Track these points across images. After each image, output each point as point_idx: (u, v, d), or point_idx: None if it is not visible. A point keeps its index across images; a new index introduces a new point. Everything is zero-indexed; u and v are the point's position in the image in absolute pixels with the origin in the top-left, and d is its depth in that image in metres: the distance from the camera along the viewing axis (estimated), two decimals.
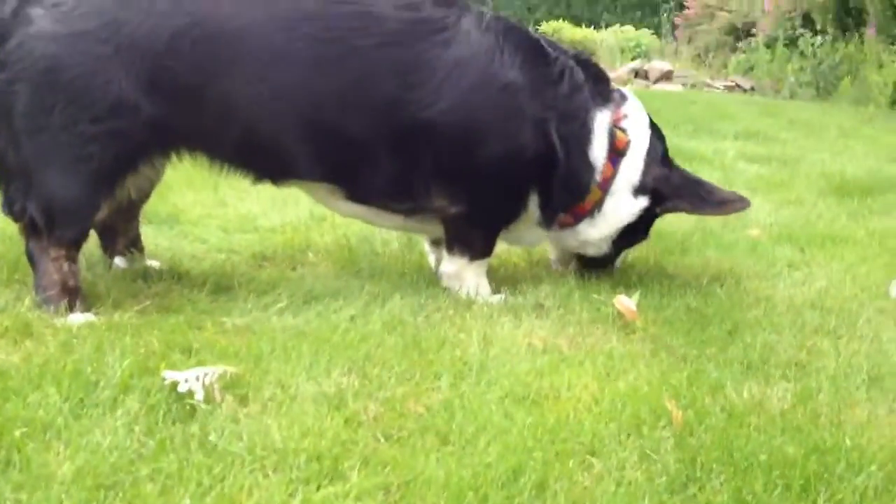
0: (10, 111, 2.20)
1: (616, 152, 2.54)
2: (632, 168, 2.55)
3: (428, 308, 2.35)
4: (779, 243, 3.22)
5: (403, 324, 2.21)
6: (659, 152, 2.62)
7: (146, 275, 2.56)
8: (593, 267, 2.73)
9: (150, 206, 3.29)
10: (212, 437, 1.57)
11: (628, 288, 2.54)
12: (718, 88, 11.53)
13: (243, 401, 1.75)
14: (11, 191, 2.29)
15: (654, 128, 2.64)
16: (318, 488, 1.43)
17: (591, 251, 2.67)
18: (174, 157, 2.41)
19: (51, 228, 2.24)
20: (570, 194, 2.54)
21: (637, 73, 12.12)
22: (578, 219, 2.58)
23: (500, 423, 1.66)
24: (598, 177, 2.53)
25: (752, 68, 12.57)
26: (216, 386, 1.77)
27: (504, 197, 2.54)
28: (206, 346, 1.99)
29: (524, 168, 2.49)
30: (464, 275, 2.56)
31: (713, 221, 3.46)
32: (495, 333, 2.16)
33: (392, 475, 1.48)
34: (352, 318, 2.26)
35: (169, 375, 1.76)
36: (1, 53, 2.18)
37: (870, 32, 11.04)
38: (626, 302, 2.34)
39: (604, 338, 2.19)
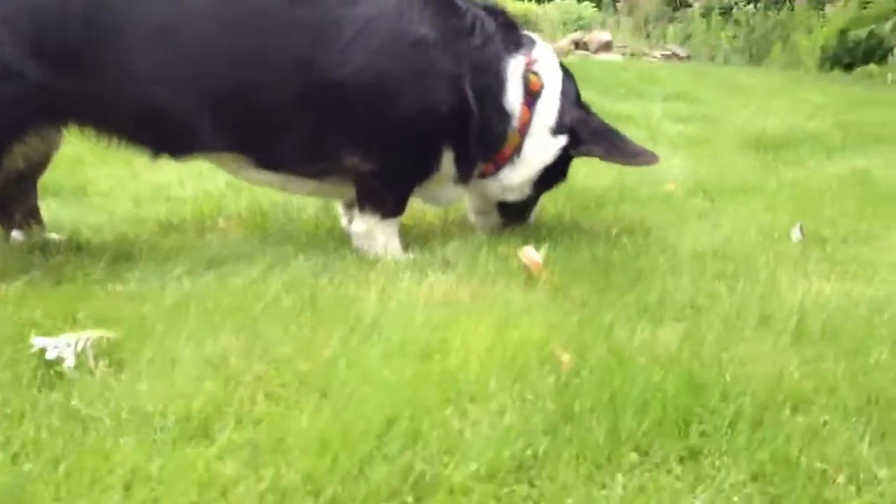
0: None
1: (531, 95, 2.53)
2: (548, 109, 2.55)
3: (331, 268, 2.30)
4: (692, 196, 3.23)
5: (302, 284, 2.16)
6: (573, 95, 2.62)
7: (44, 247, 2.48)
8: (513, 216, 2.73)
9: (56, 179, 3.21)
10: (74, 403, 1.51)
11: (538, 242, 2.51)
12: (656, 57, 11.60)
13: (119, 366, 1.69)
14: None
15: (566, 72, 2.64)
16: (181, 448, 1.38)
17: (513, 196, 2.66)
18: (63, 130, 2.33)
19: None
20: (488, 146, 2.53)
21: (577, 45, 12.13)
22: (499, 166, 2.57)
23: (383, 376, 1.63)
24: (515, 123, 2.52)
25: (688, 37, 12.70)
26: (90, 353, 1.71)
27: (417, 154, 2.50)
28: (92, 315, 1.92)
29: (438, 124, 2.45)
30: (374, 233, 2.52)
31: (631, 177, 3.47)
32: (395, 289, 2.13)
33: (263, 432, 1.44)
34: (251, 281, 2.21)
35: (38, 342, 1.70)
36: None
37: (799, 0, 11.20)
38: (531, 254, 2.32)
39: (506, 289, 2.17)
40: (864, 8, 9.09)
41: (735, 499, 1.30)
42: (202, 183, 3.36)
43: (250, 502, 1.26)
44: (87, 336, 1.75)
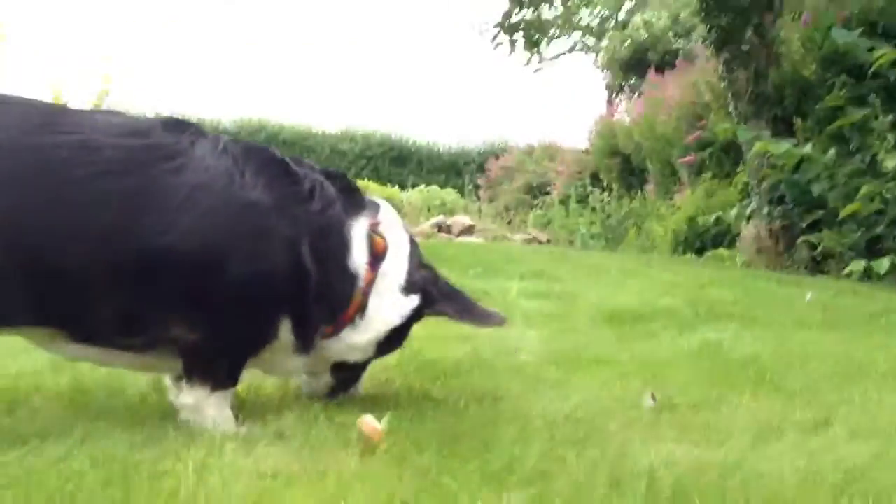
0: None
1: (375, 256, 2.46)
2: (395, 269, 2.49)
3: (150, 443, 2.09)
4: (545, 367, 3.18)
5: (113, 459, 1.94)
6: (418, 257, 2.58)
7: None
8: (346, 380, 2.62)
9: None
10: None
11: (381, 412, 2.38)
12: (517, 241, 11.98)
13: None
14: None
15: (410, 236, 2.61)
16: None
17: (356, 356, 2.54)
18: None
19: None
20: (331, 309, 2.42)
21: (441, 228, 12.46)
22: (340, 327, 2.45)
23: None
24: (360, 283, 2.44)
25: (549, 223, 13.27)
26: None
27: (249, 321, 2.35)
28: None
29: (271, 290, 2.32)
30: (203, 407, 2.32)
31: (486, 350, 3.42)
32: (218, 462, 1.94)
33: None
34: (58, 458, 1.97)
35: None
36: None
37: (649, 189, 11.98)
38: (370, 422, 2.18)
39: (343, 460, 2.01)
40: (710, 196, 9.73)
41: None
42: (19, 362, 3.10)
43: None
44: None
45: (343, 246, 2.43)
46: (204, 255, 2.23)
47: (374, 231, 2.49)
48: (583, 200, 12.90)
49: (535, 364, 3.25)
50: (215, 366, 2.35)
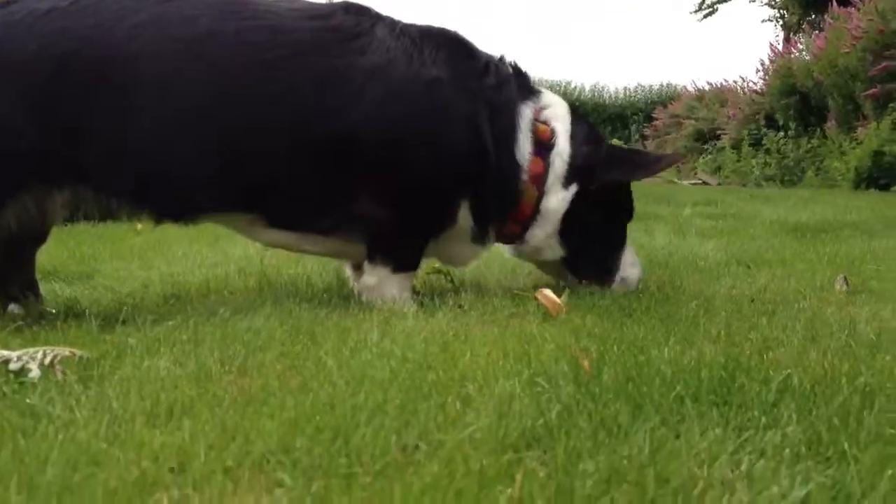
0: None
1: (541, 146, 2.39)
2: (561, 157, 2.40)
3: (333, 314, 2.15)
4: (725, 266, 3.04)
5: (297, 318, 2.01)
6: (583, 134, 2.47)
7: (40, 316, 2.36)
8: (590, 277, 2.53)
9: (65, 265, 3.16)
10: (31, 401, 1.35)
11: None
12: (685, 185, 11.57)
13: (88, 380, 1.53)
14: None
15: (576, 113, 2.52)
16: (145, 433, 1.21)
17: (549, 255, 2.50)
18: (58, 193, 2.23)
19: None
20: (502, 198, 2.38)
21: None
22: (524, 225, 2.42)
23: (378, 375, 1.45)
24: (525, 176, 2.37)
25: (719, 168, 12.73)
26: (58, 367, 1.56)
27: (434, 201, 2.35)
28: (71, 343, 1.78)
29: (456, 168, 2.31)
30: (384, 288, 2.34)
31: (660, 253, 3.31)
32: (402, 324, 1.96)
33: (237, 414, 1.26)
34: (249, 327, 2.06)
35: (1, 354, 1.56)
36: None
37: (830, 125, 11.25)
38: (549, 295, 2.15)
39: (521, 325, 1.99)
40: None
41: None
42: (213, 270, 3.26)
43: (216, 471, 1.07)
44: (57, 351, 1.60)
45: (512, 130, 2.38)
46: (388, 134, 2.24)
47: (538, 119, 2.42)
48: (756, 144, 12.28)
49: (715, 263, 3.11)
50: (399, 245, 2.36)
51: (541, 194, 2.40)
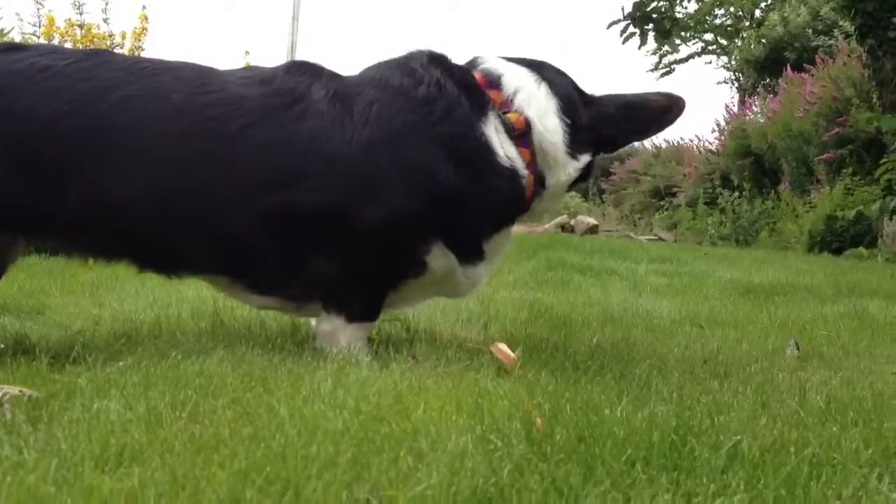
0: None
1: (520, 134, 2.34)
2: (549, 134, 2.36)
3: (286, 361, 2.13)
4: (679, 325, 3.08)
5: (250, 364, 1.99)
6: (568, 100, 2.41)
7: None
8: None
9: (16, 300, 3.10)
10: None
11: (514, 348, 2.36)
12: (642, 241, 11.73)
13: (38, 420, 1.50)
14: None
15: (552, 82, 2.43)
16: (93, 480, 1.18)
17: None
18: (29, 241, 2.28)
19: None
20: (496, 211, 2.37)
21: (564, 227, 12.32)
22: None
23: (331, 425, 1.44)
24: (523, 171, 2.33)
25: (675, 224, 12.96)
26: (6, 406, 1.53)
27: (387, 255, 2.31)
28: (19, 382, 1.75)
29: (407, 221, 2.27)
30: (339, 337, 2.32)
31: (616, 310, 3.35)
32: (356, 372, 1.95)
33: (188, 462, 1.24)
34: (201, 367, 2.04)
35: None
36: None
37: (784, 187, 11.53)
38: (504, 349, 2.16)
39: (475, 378, 1.99)
40: (850, 194, 9.29)
41: None
42: (166, 310, 3.23)
43: None
44: (6, 390, 1.57)
45: (483, 148, 2.31)
46: (331, 205, 2.23)
47: (506, 111, 2.35)
48: (711, 202, 12.54)
49: (669, 322, 3.15)
50: (353, 298, 2.34)
51: (538, 177, 2.38)
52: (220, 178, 2.23)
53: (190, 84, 2.28)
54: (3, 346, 2.42)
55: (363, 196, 2.24)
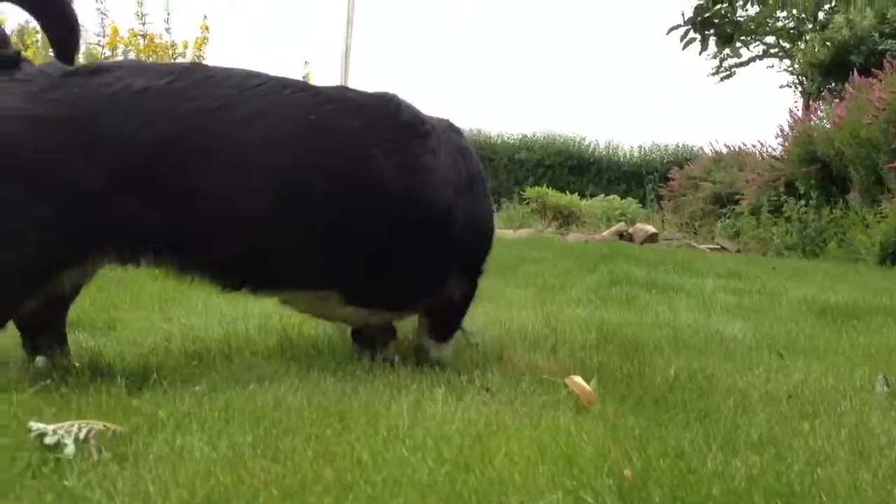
0: None
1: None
2: None
3: (359, 390, 2.11)
4: (756, 350, 2.99)
5: (325, 394, 1.97)
6: None
7: (65, 371, 2.33)
8: None
9: (89, 315, 3.14)
10: (69, 483, 1.32)
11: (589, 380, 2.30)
12: (704, 250, 11.53)
13: (123, 458, 1.50)
14: None
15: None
16: None
17: None
18: (132, 259, 2.25)
19: None
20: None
21: (622, 235, 12.17)
22: None
23: (416, 476, 1.41)
24: None
25: (738, 233, 12.68)
26: (92, 441, 1.53)
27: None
28: (101, 415, 1.75)
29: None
30: (449, 353, 2.60)
31: (687, 333, 3.27)
32: (431, 407, 1.92)
33: None
34: (277, 397, 2.03)
35: (36, 427, 1.52)
36: None
37: (853, 196, 11.21)
38: (579, 382, 2.11)
39: (553, 417, 1.94)
40: None
41: None
42: (234, 326, 3.24)
43: None
44: (91, 425, 1.57)
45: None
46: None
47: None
48: (776, 210, 12.24)
49: (746, 348, 3.06)
50: (462, 312, 2.65)
51: None
52: (361, 194, 2.30)
53: (314, 104, 2.32)
54: (78, 364, 2.45)
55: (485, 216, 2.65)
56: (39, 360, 2.42)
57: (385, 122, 2.38)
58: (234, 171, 2.18)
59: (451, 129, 2.61)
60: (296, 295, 2.50)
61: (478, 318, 3.26)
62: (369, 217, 2.32)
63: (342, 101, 2.38)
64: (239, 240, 2.25)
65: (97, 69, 2.17)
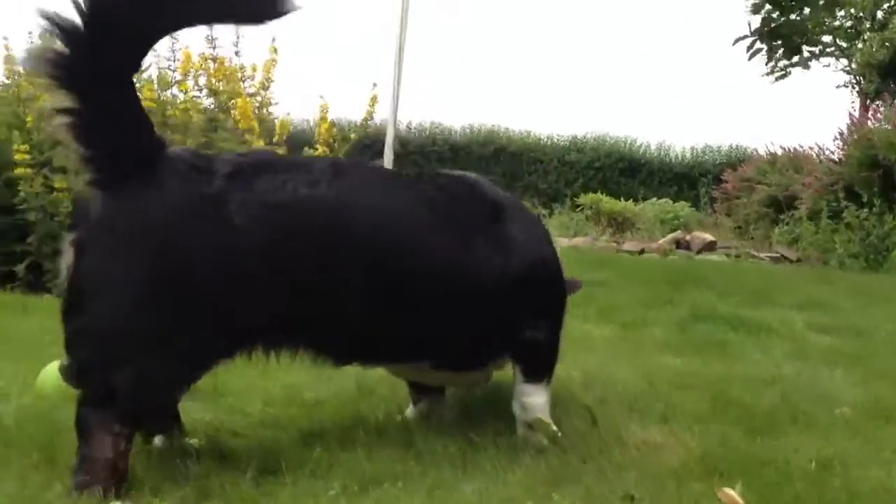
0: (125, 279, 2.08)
1: None
2: None
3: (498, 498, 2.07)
4: (873, 421, 2.90)
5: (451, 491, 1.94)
6: None
7: (185, 454, 2.33)
8: None
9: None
10: None
11: (728, 477, 2.24)
12: (764, 259, 11.34)
13: None
14: (86, 353, 2.09)
15: None
16: None
17: None
18: (273, 348, 2.34)
19: (129, 400, 2.05)
20: None
21: (679, 243, 12.01)
22: None
23: None
24: None
25: (796, 240, 12.45)
26: None
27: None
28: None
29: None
30: (545, 399, 2.60)
31: (796, 395, 3.18)
32: None
33: None
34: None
35: None
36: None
37: None
38: (730, 494, 2.05)
39: None
40: None
41: None
42: (331, 386, 3.23)
43: None
44: None
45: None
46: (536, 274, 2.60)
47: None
48: (836, 216, 11.96)
49: (859, 417, 2.96)
50: (554, 356, 2.66)
51: None
52: (464, 279, 2.45)
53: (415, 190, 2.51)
54: (195, 442, 2.45)
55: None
56: (158, 439, 2.43)
57: (477, 206, 2.56)
58: (366, 267, 2.33)
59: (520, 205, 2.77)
60: (395, 367, 2.74)
61: (571, 369, 3.24)
62: (466, 297, 2.46)
63: (451, 194, 2.55)
64: (361, 328, 2.37)
65: (257, 169, 2.25)
